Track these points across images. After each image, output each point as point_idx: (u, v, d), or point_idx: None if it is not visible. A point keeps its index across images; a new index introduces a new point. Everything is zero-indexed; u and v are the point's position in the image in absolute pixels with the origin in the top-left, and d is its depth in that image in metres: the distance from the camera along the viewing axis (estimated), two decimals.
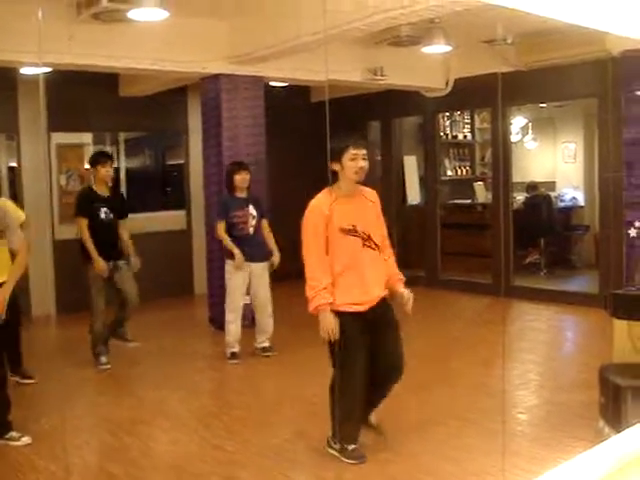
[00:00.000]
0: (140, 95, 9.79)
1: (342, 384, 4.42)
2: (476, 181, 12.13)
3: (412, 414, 5.31)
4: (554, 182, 12.37)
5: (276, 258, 6.93)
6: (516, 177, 10.56)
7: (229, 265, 6.89)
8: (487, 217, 10.74)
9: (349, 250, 4.40)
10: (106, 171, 6.85)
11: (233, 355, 6.98)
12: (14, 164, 9.47)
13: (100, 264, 6.58)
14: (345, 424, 4.48)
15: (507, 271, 9.70)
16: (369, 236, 4.44)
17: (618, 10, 4.09)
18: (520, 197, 11.38)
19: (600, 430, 4.56)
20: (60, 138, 9.61)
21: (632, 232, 8.03)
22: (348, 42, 8.06)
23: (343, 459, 4.47)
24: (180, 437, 5.14)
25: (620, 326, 5.16)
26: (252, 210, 6.90)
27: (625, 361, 4.93)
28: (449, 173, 12.18)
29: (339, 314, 4.35)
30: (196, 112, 9.72)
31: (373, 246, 4.46)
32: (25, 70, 8.17)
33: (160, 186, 11.91)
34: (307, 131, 8.96)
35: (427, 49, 8.03)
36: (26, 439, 4.93)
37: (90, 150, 10.20)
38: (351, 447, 4.48)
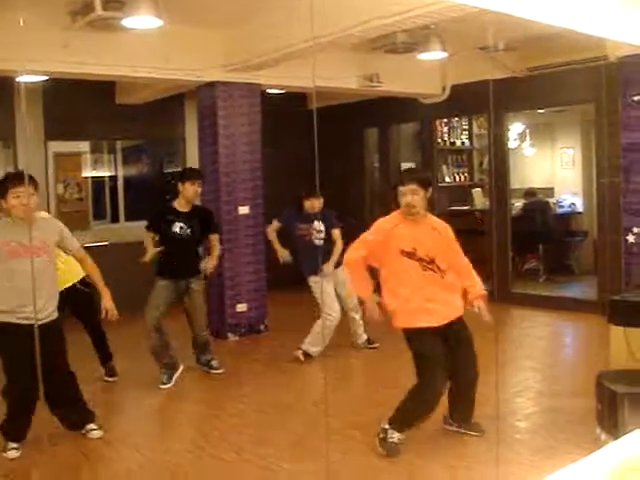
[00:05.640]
0: (137, 103, 9.79)
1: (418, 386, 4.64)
2: (474, 187, 12.10)
3: None
4: (552, 188, 12.32)
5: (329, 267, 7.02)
6: (514, 183, 10.53)
7: (312, 281, 7.12)
8: (485, 223, 10.70)
9: (410, 273, 4.61)
10: (194, 190, 6.50)
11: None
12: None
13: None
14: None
15: (505, 277, 9.67)
16: (432, 260, 4.63)
17: (615, 16, 4.09)
18: (518, 203, 11.34)
19: (597, 437, 4.53)
20: (57, 147, 9.61)
21: (630, 238, 8.01)
22: (343, 49, 8.05)
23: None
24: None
25: (617, 332, 5.16)
26: (317, 225, 7.08)
27: (622, 368, 4.91)
28: (447, 179, 12.12)
29: (410, 331, 4.63)
30: (193, 120, 9.68)
31: (436, 269, 4.64)
32: (22, 78, 8.15)
33: (158, 194, 11.87)
34: (304, 137, 8.96)
35: (423, 55, 8.04)
36: (97, 433, 5.14)
37: (87, 158, 10.19)
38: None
